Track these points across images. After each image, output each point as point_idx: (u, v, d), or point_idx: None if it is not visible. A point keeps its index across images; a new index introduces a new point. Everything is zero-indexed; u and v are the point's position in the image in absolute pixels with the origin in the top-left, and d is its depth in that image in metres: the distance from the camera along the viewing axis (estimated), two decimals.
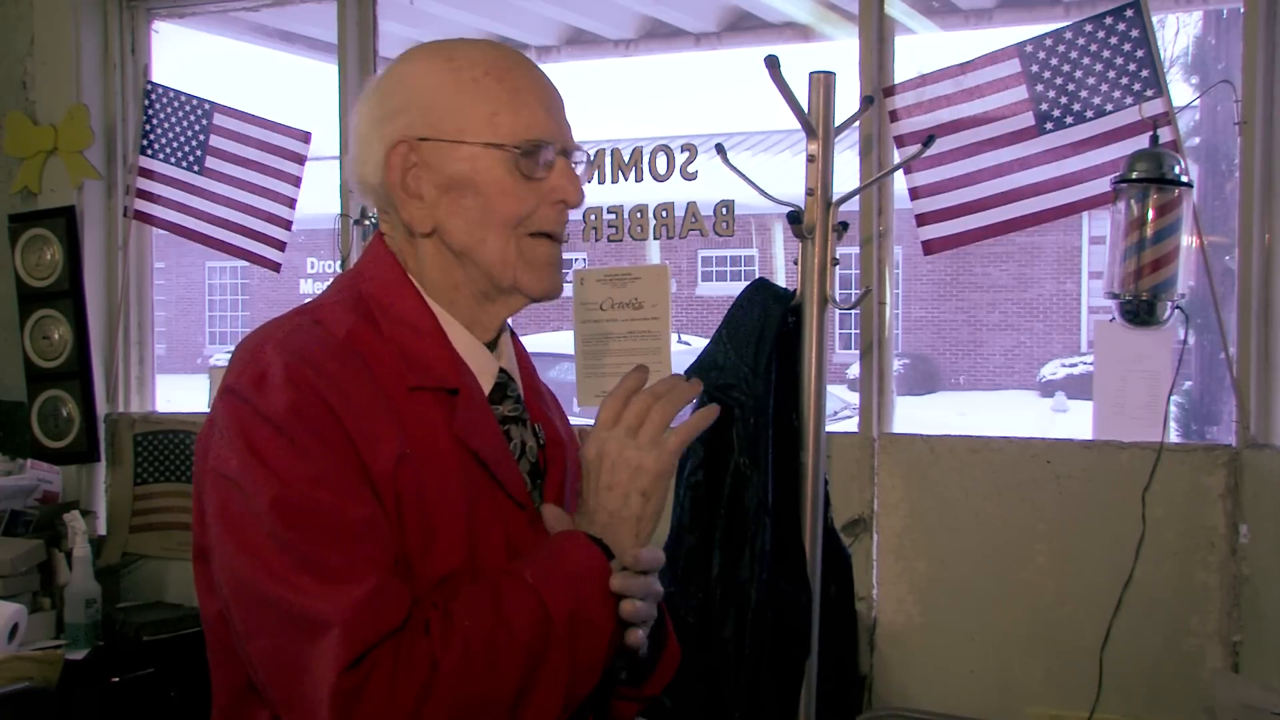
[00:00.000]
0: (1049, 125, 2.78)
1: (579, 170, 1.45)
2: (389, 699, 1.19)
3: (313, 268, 16.89)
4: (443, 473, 1.33)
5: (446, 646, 1.22)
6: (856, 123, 2.46)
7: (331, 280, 1.51)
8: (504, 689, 1.24)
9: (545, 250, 1.42)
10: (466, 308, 1.43)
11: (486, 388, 1.43)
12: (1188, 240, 2.54)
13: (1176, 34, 9.13)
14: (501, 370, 1.46)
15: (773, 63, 2.13)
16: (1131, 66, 2.70)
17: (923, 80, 2.90)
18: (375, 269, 1.43)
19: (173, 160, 3.72)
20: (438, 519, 1.31)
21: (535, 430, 1.49)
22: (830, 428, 2.44)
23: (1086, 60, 2.74)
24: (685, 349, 4.32)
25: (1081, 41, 2.74)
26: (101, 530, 3.75)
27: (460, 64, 1.40)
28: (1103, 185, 2.68)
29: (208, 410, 1.41)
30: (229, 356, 1.38)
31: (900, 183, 2.94)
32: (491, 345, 1.46)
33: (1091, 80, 2.73)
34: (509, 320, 1.51)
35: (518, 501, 1.40)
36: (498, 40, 4.45)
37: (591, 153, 1.18)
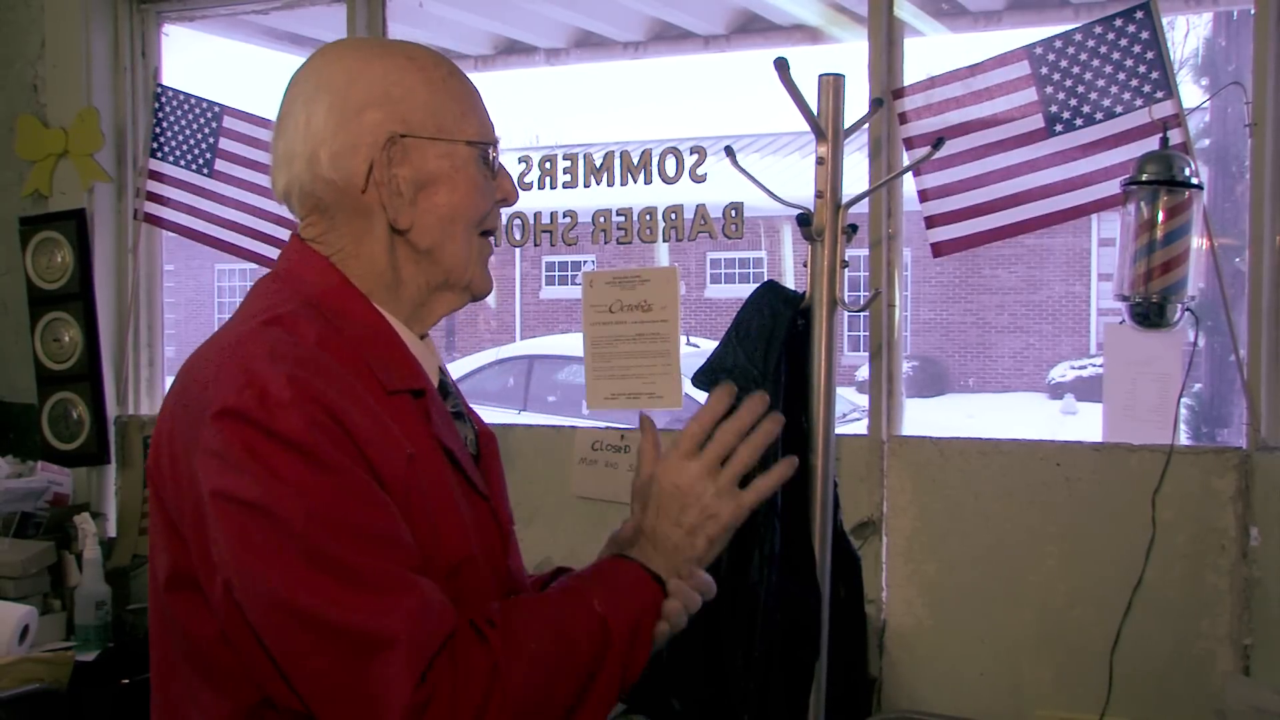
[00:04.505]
0: (1058, 127, 2.77)
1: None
2: (452, 708, 1.18)
3: None
4: (434, 469, 1.34)
5: (511, 661, 1.23)
6: (866, 125, 2.46)
7: (254, 291, 1.42)
8: (561, 702, 1.27)
9: (489, 249, 1.48)
10: (406, 306, 1.42)
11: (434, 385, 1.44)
12: (1198, 242, 2.53)
13: (1186, 35, 9.13)
14: (438, 368, 1.48)
15: (782, 65, 2.13)
16: (1141, 68, 2.69)
17: (932, 82, 2.90)
18: (314, 275, 1.38)
19: (183, 163, 3.73)
20: (439, 514, 1.32)
21: (470, 424, 1.51)
22: (839, 430, 2.44)
23: (1096, 62, 2.73)
24: (694, 351, 4.31)
25: (1091, 43, 2.73)
26: (112, 532, 3.75)
27: (424, 64, 1.41)
28: (1112, 187, 2.68)
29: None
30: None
31: (909, 185, 2.94)
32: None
33: (1101, 82, 2.73)
34: None
35: (480, 493, 1.42)
36: (508, 43, 4.47)
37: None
